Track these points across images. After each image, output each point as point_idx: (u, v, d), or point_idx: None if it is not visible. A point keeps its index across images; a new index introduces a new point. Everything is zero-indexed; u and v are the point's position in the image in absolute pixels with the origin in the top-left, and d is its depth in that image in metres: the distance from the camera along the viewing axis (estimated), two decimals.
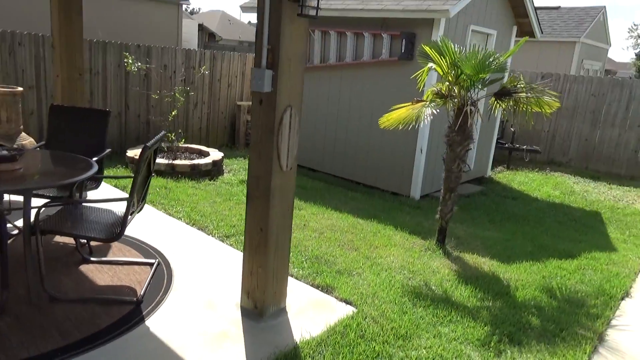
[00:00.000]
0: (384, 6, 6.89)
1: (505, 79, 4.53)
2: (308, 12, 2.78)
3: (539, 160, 11.09)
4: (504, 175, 9.56)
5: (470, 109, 4.52)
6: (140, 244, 4.21)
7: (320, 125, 8.25)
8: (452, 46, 4.49)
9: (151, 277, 3.59)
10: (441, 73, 4.57)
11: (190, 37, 14.13)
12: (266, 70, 2.79)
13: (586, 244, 5.81)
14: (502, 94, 4.52)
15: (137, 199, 3.24)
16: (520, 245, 5.53)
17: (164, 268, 3.80)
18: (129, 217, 3.13)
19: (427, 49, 4.51)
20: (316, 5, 2.77)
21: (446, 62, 4.44)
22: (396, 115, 4.65)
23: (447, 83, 4.60)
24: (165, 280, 3.60)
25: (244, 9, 8.69)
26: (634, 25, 58.10)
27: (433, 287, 4.00)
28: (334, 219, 5.79)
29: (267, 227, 3.05)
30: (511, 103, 4.51)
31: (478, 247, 5.28)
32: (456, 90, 4.61)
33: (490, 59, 4.24)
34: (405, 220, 6.12)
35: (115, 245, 4.12)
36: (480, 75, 4.39)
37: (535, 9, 8.44)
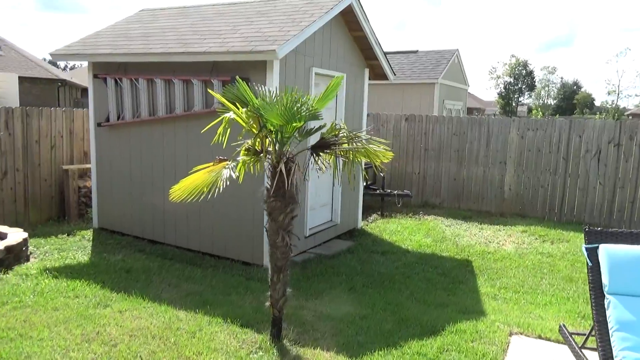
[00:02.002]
0: (207, 48, 5.90)
1: (327, 128, 3.62)
2: None
3: (413, 203, 10.69)
4: (376, 225, 8.86)
5: (289, 167, 3.54)
6: None
7: (158, 190, 6.89)
8: (258, 90, 3.54)
9: None
10: (243, 124, 3.56)
11: (6, 92, 12.13)
12: None
13: (454, 308, 5.04)
14: (321, 146, 3.61)
15: None
16: (379, 322, 4.57)
17: None
18: None
19: (217, 95, 3.49)
20: None
21: (249, 110, 3.45)
22: (190, 182, 3.52)
23: (265, 136, 3.59)
24: None
25: (54, 56, 7.24)
26: (493, 68, 65.14)
27: None
28: (145, 318, 4.41)
29: None
30: (332, 156, 3.61)
31: (325, 335, 4.22)
32: (271, 145, 3.61)
33: (299, 105, 3.32)
34: (245, 303, 4.92)
35: None
36: (293, 125, 3.45)
37: (385, 53, 8.06)
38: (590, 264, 3.31)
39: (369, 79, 8.41)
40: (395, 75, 8.56)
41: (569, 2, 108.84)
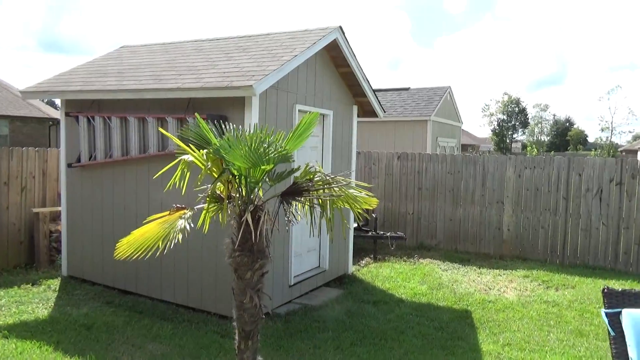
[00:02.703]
0: (181, 84, 5.53)
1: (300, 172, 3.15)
2: None
3: (408, 245, 10.15)
4: (368, 270, 8.29)
5: (257, 216, 3.05)
6: None
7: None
8: (229, 129, 3.10)
9: None
10: (202, 167, 3.10)
11: None
12: None
13: None
14: (291, 193, 3.14)
15: None
16: None
17: None
18: None
19: (167, 133, 3.04)
20: None
21: (209, 151, 3.00)
22: (140, 235, 3.03)
23: (228, 181, 3.12)
24: None
25: (25, 94, 6.86)
26: (486, 105, 65.87)
27: None
28: None
29: None
30: (308, 203, 3.13)
31: None
32: (236, 190, 3.14)
33: (266, 146, 2.87)
34: None
35: None
36: (262, 168, 2.99)
37: (375, 90, 7.74)
38: (612, 333, 2.78)
39: (358, 116, 8.06)
40: (385, 112, 8.22)
41: (558, 41, 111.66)
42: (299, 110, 6.30)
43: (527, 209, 9.34)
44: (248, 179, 3.04)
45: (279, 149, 2.88)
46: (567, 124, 70.59)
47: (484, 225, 9.69)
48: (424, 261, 9.04)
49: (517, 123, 63.84)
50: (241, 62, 5.86)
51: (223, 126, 3.29)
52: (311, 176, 3.17)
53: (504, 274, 8.26)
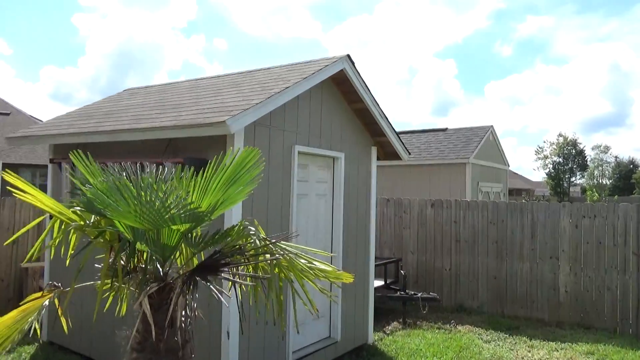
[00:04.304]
0: (157, 124, 4.77)
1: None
2: None
3: (445, 307, 8.75)
4: (393, 340, 6.99)
5: (167, 299, 2.08)
6: None
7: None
8: (93, 171, 2.21)
9: None
10: (65, 221, 2.18)
11: None
12: None
13: None
14: (206, 268, 2.14)
15: None
16: None
17: None
18: None
19: (10, 179, 2.17)
20: None
21: (77, 202, 2.09)
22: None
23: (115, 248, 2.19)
24: None
25: (10, 140, 6.38)
26: (539, 147, 62.82)
27: None
28: None
29: None
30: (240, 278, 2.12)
31: None
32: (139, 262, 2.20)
33: (165, 198, 1.93)
34: None
35: None
36: (175, 229, 2.04)
37: (396, 130, 6.73)
38: None
39: (379, 159, 7.05)
40: (409, 154, 7.16)
41: (617, 80, 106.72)
42: (300, 152, 5.39)
43: (588, 267, 7.80)
44: (150, 246, 2.09)
45: (183, 204, 1.92)
46: (631, 165, 65.83)
47: (535, 284, 8.18)
48: (463, 328, 7.62)
49: (575, 166, 60.10)
50: (227, 98, 5.07)
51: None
52: (245, 239, 2.18)
53: (561, 349, 6.71)
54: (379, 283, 8.38)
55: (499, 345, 6.86)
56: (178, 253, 2.21)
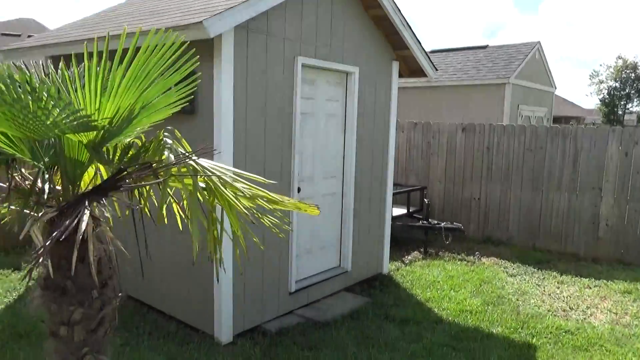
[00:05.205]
0: (130, 31, 4.19)
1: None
2: None
3: (472, 238, 8.26)
4: (411, 270, 6.63)
5: (73, 223, 1.65)
6: None
7: None
8: None
9: None
10: None
11: None
12: None
13: None
14: (101, 190, 1.67)
15: None
16: None
17: None
18: None
19: None
20: None
21: None
22: None
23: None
24: None
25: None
26: (594, 72, 58.23)
27: None
28: None
29: None
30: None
31: None
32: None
33: (53, 104, 1.43)
34: None
35: None
36: (77, 139, 1.56)
37: (420, 42, 5.86)
38: None
39: (402, 76, 6.30)
40: (437, 70, 6.33)
41: None
42: (304, 65, 4.74)
43: (634, 199, 7.01)
44: (52, 159, 1.63)
45: (74, 114, 1.42)
46: None
47: (572, 216, 7.50)
48: (487, 260, 7.15)
49: (633, 92, 55.60)
50: None
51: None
52: (159, 155, 1.69)
53: (595, 286, 6.17)
54: (401, 211, 7.93)
55: (524, 279, 6.38)
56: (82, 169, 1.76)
